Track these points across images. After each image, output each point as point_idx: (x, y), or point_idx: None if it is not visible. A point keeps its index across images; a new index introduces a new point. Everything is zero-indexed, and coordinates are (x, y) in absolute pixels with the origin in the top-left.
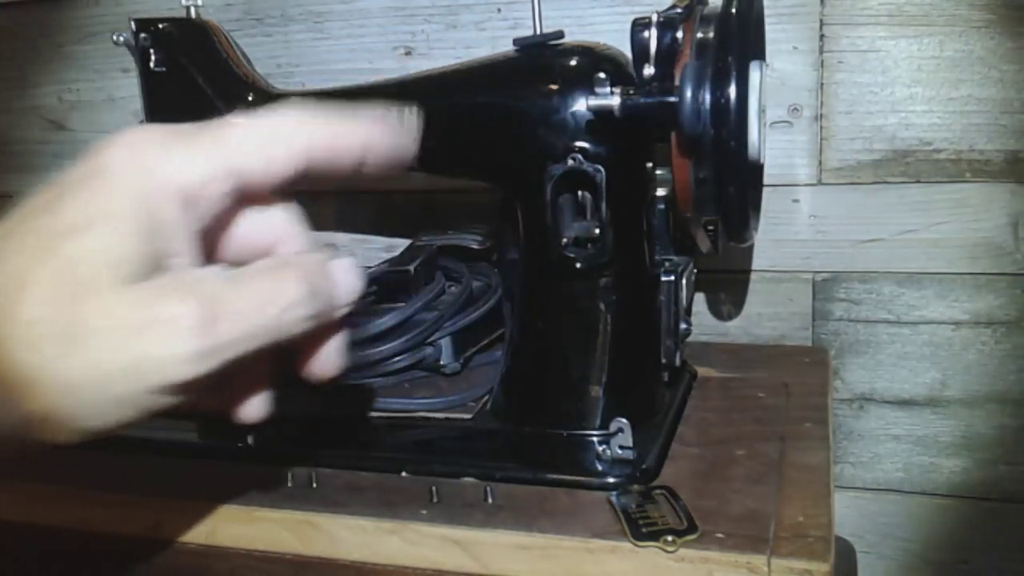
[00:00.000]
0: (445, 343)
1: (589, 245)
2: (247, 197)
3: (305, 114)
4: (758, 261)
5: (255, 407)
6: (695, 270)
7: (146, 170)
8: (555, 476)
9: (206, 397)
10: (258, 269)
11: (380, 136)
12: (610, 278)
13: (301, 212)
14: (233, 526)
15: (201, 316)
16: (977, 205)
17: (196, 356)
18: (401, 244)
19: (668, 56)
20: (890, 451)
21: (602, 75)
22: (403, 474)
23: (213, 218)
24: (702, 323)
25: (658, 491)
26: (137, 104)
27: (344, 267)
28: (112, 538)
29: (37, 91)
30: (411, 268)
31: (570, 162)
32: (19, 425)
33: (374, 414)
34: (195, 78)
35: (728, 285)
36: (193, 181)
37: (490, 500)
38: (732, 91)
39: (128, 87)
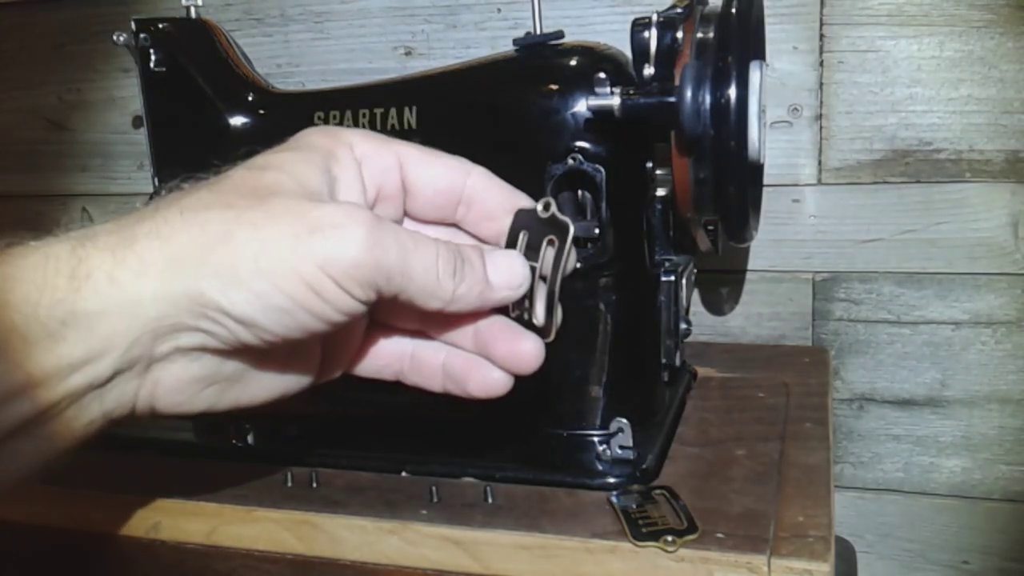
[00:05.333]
0: None
1: (589, 245)
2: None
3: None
4: (758, 261)
5: (491, 380)
6: (695, 270)
7: (331, 134)
8: (555, 476)
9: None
10: (414, 229)
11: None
12: (610, 278)
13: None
14: (233, 526)
15: (370, 221)
16: (977, 205)
17: (364, 241)
18: None
19: (668, 56)
20: (890, 451)
21: (602, 75)
22: (403, 474)
23: (383, 191)
24: (702, 323)
25: (658, 491)
26: (137, 104)
27: (506, 259)
28: (112, 538)
29: (37, 91)
30: None
31: (570, 162)
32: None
33: (374, 414)
34: (195, 78)
35: (728, 285)
36: (366, 148)
37: (490, 500)
38: (732, 91)
39: (128, 87)
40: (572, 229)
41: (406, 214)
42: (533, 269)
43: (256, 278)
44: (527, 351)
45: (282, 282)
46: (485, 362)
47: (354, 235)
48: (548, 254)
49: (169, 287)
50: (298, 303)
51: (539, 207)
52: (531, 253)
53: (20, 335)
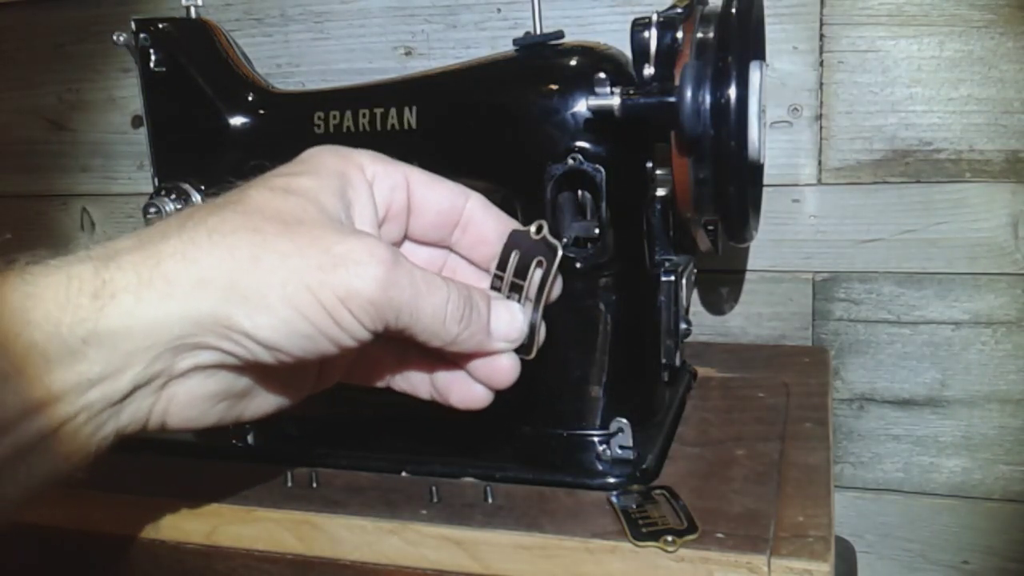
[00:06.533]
0: None
1: (589, 245)
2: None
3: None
4: (758, 261)
5: (473, 392)
6: (695, 270)
7: (342, 155)
8: (555, 476)
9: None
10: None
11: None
12: (610, 278)
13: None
14: (233, 526)
15: (389, 257)
16: (977, 205)
17: (382, 280)
18: None
19: (668, 56)
20: (890, 451)
21: (602, 75)
22: (403, 474)
23: (391, 210)
24: (702, 323)
25: (658, 491)
26: (137, 104)
27: (508, 312)
28: (112, 538)
29: (37, 91)
30: None
31: (570, 162)
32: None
33: (374, 414)
34: (195, 78)
35: (728, 285)
36: (376, 168)
37: (490, 500)
38: (732, 91)
39: (128, 87)
40: (560, 252)
41: (406, 235)
42: (520, 287)
43: (283, 305)
44: (503, 367)
45: (307, 310)
46: (467, 376)
47: (373, 273)
48: (536, 275)
49: (195, 308)
50: (319, 330)
51: (532, 229)
52: (520, 273)
53: (40, 352)
